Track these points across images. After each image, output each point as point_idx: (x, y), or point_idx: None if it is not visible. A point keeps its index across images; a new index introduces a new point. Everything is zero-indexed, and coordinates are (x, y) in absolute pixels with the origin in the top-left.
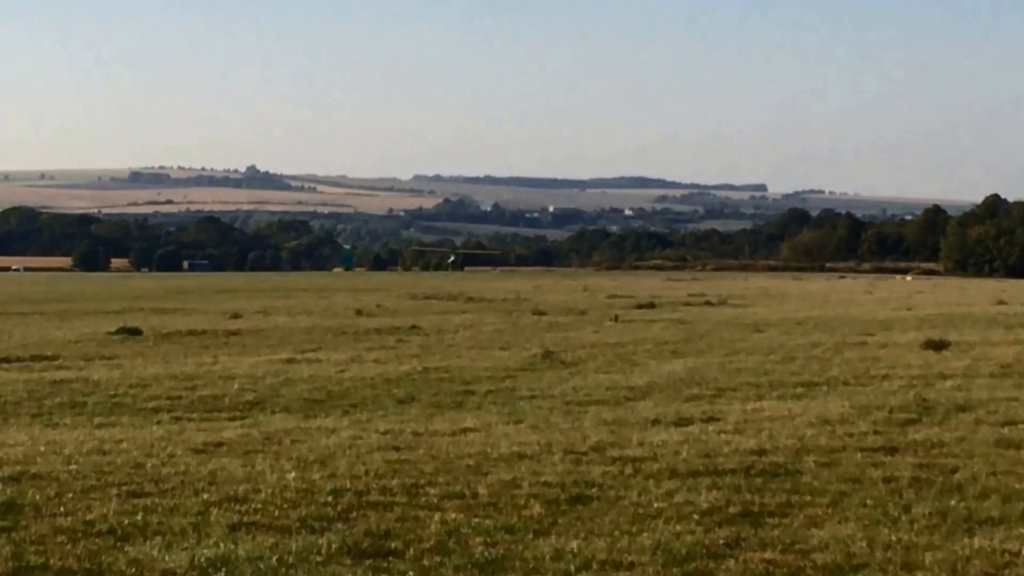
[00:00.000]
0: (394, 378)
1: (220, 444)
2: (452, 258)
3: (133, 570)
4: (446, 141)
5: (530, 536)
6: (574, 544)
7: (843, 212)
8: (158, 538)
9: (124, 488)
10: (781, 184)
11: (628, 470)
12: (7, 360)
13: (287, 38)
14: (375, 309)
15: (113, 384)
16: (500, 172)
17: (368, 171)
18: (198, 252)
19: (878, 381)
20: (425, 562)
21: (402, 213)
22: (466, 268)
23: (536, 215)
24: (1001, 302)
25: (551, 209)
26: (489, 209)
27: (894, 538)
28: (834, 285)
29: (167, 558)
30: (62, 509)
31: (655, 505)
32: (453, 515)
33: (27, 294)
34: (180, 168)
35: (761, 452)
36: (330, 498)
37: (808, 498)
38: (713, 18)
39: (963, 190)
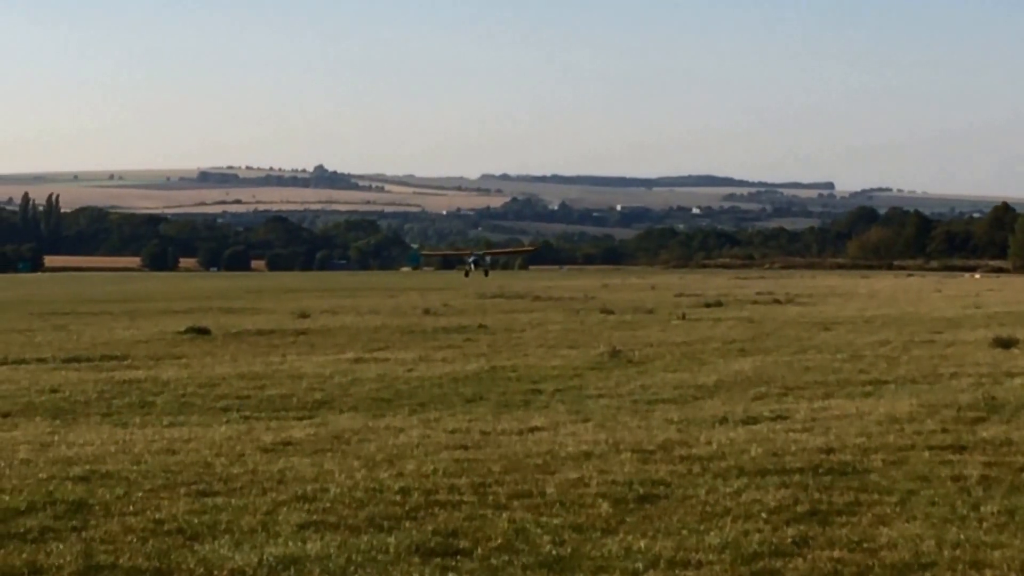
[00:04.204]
0: (462, 377)
1: (288, 443)
2: (473, 258)
3: (202, 569)
4: (513, 140)
5: (598, 534)
6: (642, 542)
7: (911, 210)
8: (227, 537)
9: (193, 487)
10: (849, 182)
11: (696, 469)
12: (77, 360)
13: (354, 38)
14: (443, 308)
15: (182, 384)
16: (567, 171)
17: (436, 170)
18: (267, 252)
19: (946, 379)
20: (493, 561)
21: (470, 212)
22: (531, 267)
23: (603, 214)
24: None
25: (618, 208)
26: (556, 208)
27: (962, 536)
28: (902, 283)
29: (236, 557)
30: (131, 508)
31: (723, 504)
32: (521, 514)
33: (96, 294)
34: (248, 168)
35: (829, 450)
36: (398, 497)
37: (876, 496)
38: (778, 12)
39: None
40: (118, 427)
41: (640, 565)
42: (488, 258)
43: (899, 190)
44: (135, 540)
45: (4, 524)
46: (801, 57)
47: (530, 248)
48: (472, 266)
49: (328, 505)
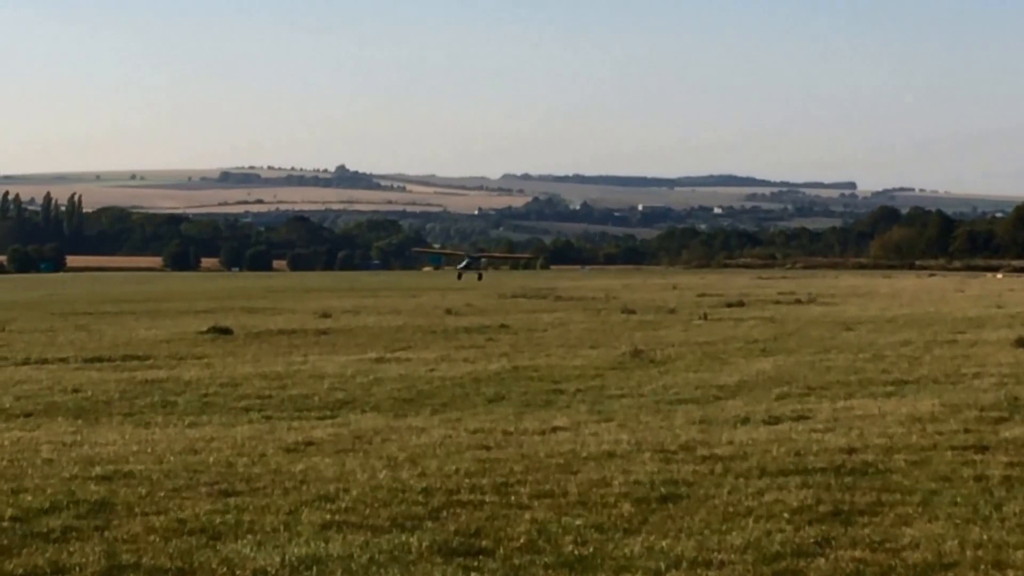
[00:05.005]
0: (484, 377)
1: (310, 443)
2: (466, 261)
3: (225, 569)
4: (535, 140)
5: (620, 534)
6: (664, 542)
7: (933, 210)
8: (249, 537)
9: (215, 487)
10: (871, 182)
11: (718, 469)
12: (99, 360)
13: (375, 38)
14: (464, 308)
15: (204, 383)
16: (589, 171)
17: (457, 170)
18: (288, 252)
19: (968, 379)
20: (515, 560)
21: (491, 212)
22: (552, 267)
23: (625, 214)
24: None
25: (640, 208)
26: (578, 208)
27: (985, 537)
28: (924, 283)
29: (258, 557)
30: (154, 508)
31: (745, 504)
32: (543, 514)
33: (118, 294)
34: (270, 168)
35: (851, 450)
36: (420, 497)
37: (898, 496)
38: (799, 13)
39: None
40: (140, 427)
41: (662, 565)
42: (483, 260)
43: (921, 190)
44: (158, 540)
45: (27, 523)
46: (823, 57)
47: (527, 255)
48: (465, 268)
49: (350, 505)
